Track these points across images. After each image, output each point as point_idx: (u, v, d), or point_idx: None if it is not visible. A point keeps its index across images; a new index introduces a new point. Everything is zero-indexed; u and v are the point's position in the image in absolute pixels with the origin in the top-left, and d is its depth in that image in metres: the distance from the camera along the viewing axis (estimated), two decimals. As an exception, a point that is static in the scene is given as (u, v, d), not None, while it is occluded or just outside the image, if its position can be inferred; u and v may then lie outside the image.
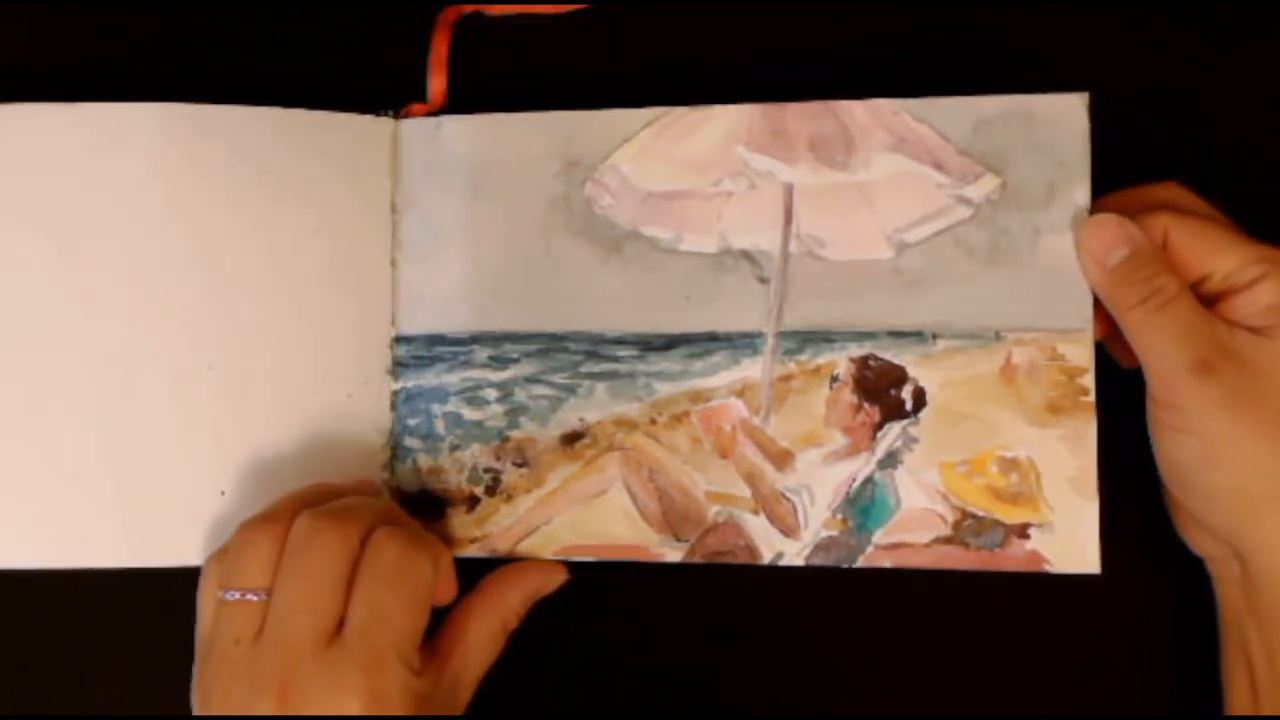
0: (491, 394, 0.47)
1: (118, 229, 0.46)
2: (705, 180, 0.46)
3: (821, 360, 0.45)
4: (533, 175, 0.47)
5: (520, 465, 0.47)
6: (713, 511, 0.46)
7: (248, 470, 0.46)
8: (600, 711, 0.48)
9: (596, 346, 0.46)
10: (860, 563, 0.45)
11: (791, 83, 0.47)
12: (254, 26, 0.51)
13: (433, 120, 0.48)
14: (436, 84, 0.50)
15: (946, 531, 0.44)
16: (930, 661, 0.47)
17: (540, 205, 0.47)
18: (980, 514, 0.44)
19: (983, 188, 0.45)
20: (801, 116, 0.46)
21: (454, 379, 0.47)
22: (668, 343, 0.46)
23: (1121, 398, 0.44)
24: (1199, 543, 0.44)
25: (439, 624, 0.44)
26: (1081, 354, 0.44)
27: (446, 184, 0.48)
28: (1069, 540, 0.43)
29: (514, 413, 0.47)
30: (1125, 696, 0.47)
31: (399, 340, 0.48)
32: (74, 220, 0.46)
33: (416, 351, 0.48)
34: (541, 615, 0.46)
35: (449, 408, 0.47)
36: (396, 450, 0.48)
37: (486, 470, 0.47)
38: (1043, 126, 0.44)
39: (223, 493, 0.46)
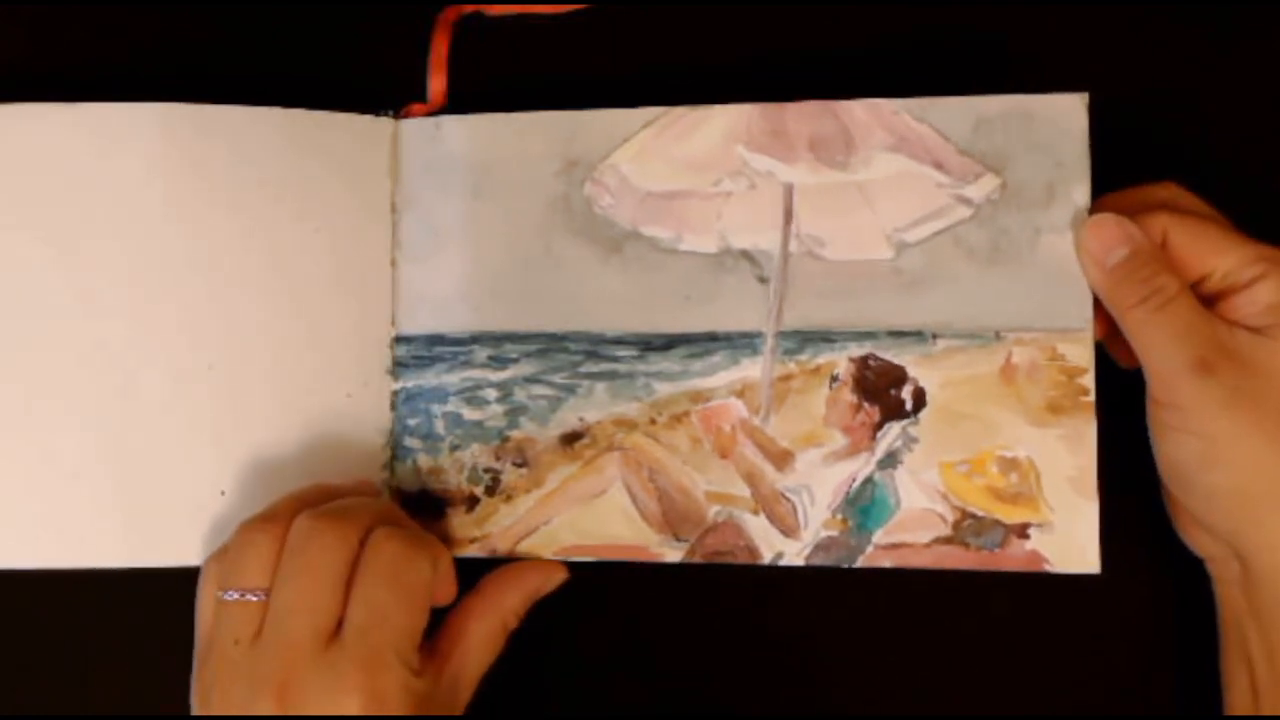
0: (491, 394, 0.47)
1: (118, 229, 0.46)
2: (705, 180, 0.46)
3: (821, 360, 0.45)
4: (532, 175, 0.47)
5: (520, 465, 0.47)
6: (712, 511, 0.46)
7: (248, 470, 0.46)
8: (600, 711, 0.48)
9: (596, 346, 0.46)
10: (860, 563, 0.45)
11: (791, 83, 0.47)
12: (254, 26, 0.51)
13: (433, 120, 0.48)
14: (436, 84, 0.50)
15: (946, 531, 0.44)
16: (930, 661, 0.47)
17: (540, 205, 0.47)
18: (980, 514, 0.44)
19: (983, 188, 0.45)
20: (801, 116, 0.46)
21: (454, 379, 0.47)
22: (667, 343, 0.46)
23: (1121, 398, 0.44)
24: (1199, 543, 0.44)
25: (439, 624, 0.44)
26: (1081, 354, 0.44)
27: (446, 184, 0.48)
28: (1069, 540, 0.43)
29: (514, 413, 0.47)
30: (1125, 696, 0.47)
31: (399, 340, 0.48)
32: (74, 220, 0.46)
33: (416, 351, 0.48)
34: (541, 615, 0.46)
35: (449, 408, 0.47)
36: (396, 450, 0.48)
37: (486, 470, 0.47)
38: (1042, 126, 0.44)
39: (223, 493, 0.46)
